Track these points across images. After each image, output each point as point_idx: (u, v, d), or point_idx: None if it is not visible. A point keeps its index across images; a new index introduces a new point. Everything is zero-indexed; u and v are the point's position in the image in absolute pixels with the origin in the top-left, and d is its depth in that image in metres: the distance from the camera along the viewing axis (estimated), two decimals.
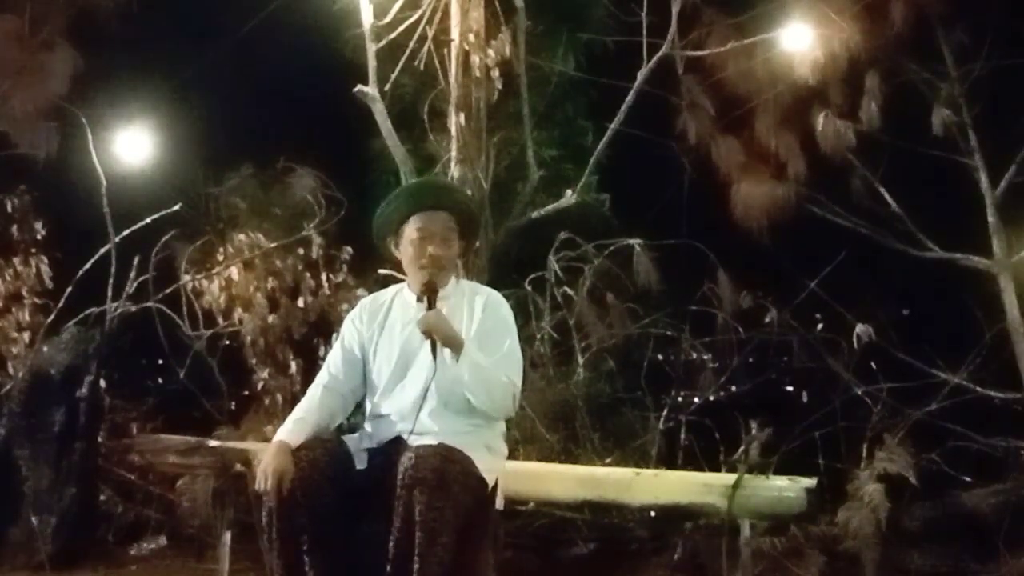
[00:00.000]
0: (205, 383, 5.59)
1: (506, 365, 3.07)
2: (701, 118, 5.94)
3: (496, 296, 3.24)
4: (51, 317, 5.53)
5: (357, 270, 5.66)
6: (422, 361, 3.07)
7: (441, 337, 3.01)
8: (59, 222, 5.98)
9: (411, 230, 3.17)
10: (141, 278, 5.50)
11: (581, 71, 6.66)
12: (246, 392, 5.65)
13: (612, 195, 6.37)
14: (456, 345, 3.00)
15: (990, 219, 5.65)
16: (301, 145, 6.09)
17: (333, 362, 3.23)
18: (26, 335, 5.63)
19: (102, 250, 5.48)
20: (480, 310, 3.15)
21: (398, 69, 5.64)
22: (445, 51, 5.61)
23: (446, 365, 3.00)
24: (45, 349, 5.18)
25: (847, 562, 4.26)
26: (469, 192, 5.23)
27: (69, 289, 5.56)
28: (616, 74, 5.84)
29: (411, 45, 5.60)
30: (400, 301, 3.24)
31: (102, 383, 5.18)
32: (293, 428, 3.06)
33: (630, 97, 5.52)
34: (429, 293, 3.08)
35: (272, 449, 2.96)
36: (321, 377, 3.25)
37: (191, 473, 4.73)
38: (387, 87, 5.55)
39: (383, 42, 5.52)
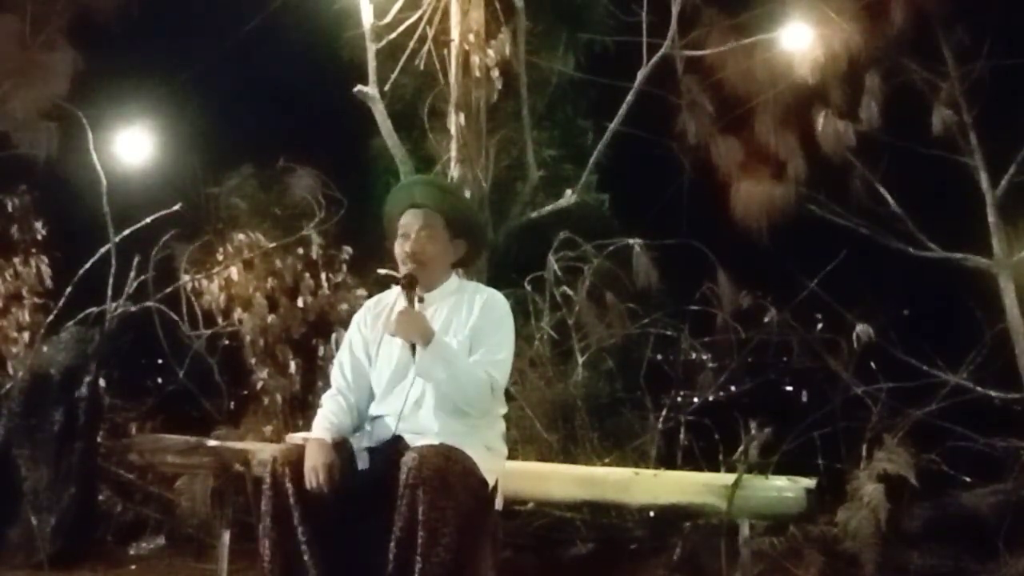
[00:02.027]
0: (204, 383, 5.59)
1: (485, 360, 3.08)
2: (701, 118, 5.93)
3: (495, 295, 3.25)
4: (51, 317, 5.52)
5: (357, 270, 5.66)
6: None
7: (402, 337, 3.03)
8: (59, 222, 5.97)
9: (398, 227, 3.21)
10: (141, 278, 5.50)
11: (581, 71, 6.64)
12: (245, 392, 5.64)
13: (612, 195, 6.37)
14: (422, 340, 3.00)
15: (990, 219, 5.63)
16: (301, 145, 6.09)
17: (345, 370, 3.25)
18: (26, 335, 5.62)
19: (102, 250, 5.47)
20: (478, 308, 3.16)
21: (398, 69, 5.62)
22: (445, 51, 5.60)
23: (421, 362, 3.01)
24: (45, 349, 5.17)
25: (847, 562, 4.26)
26: (468, 192, 5.23)
27: (69, 289, 5.54)
28: (616, 74, 5.83)
29: (411, 45, 5.59)
30: (402, 302, 3.24)
31: (102, 383, 5.18)
32: (326, 427, 3.08)
33: (630, 97, 5.51)
34: (407, 287, 3.09)
35: (312, 448, 2.97)
36: (337, 383, 3.26)
37: (190, 473, 4.73)
38: (387, 87, 5.54)
39: (383, 42, 5.51)
